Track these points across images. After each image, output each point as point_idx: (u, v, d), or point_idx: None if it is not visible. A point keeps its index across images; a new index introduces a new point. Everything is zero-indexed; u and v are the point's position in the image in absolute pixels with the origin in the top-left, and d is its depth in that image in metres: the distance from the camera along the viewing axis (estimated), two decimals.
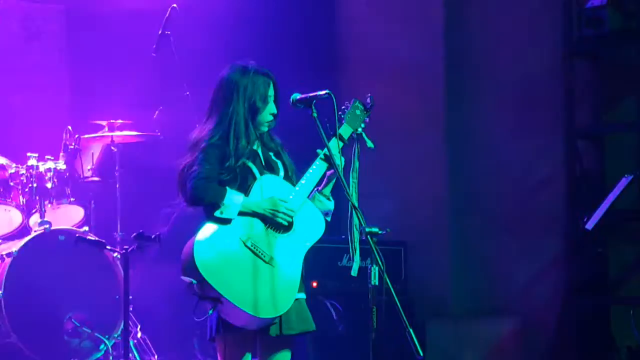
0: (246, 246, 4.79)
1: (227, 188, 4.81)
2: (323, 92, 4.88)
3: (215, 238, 4.78)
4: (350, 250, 4.86)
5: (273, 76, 5.03)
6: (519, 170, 8.21)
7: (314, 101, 4.89)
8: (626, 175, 7.18)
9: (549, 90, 8.12)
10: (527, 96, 8.22)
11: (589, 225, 7.15)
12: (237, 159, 4.88)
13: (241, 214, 4.82)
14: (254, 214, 4.84)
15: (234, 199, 4.79)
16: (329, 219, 5.02)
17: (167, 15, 7.70)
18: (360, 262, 4.85)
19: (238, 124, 4.92)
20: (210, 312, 4.75)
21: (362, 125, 5.06)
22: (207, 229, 4.79)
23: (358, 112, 5.07)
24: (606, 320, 7.85)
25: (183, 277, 4.75)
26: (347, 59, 9.00)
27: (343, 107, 5.06)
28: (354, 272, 4.86)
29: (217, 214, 4.79)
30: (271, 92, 5.00)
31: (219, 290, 4.67)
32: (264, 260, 4.79)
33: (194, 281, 4.71)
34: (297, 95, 4.96)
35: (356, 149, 5.02)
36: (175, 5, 7.67)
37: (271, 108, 4.99)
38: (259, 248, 4.79)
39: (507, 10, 8.31)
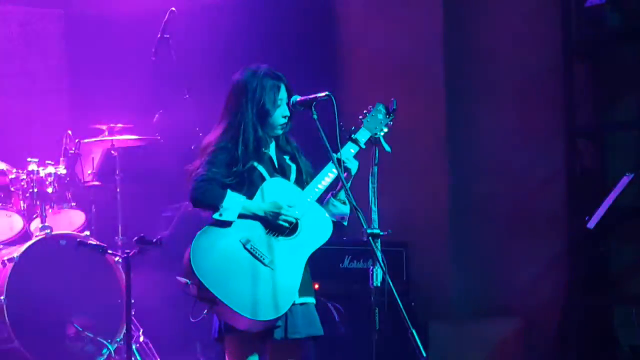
0: (245, 249, 4.78)
1: (228, 190, 4.81)
2: (323, 94, 4.87)
3: (214, 240, 4.77)
4: (374, 260, 4.76)
5: (285, 79, 5.01)
6: (520, 170, 8.20)
7: (314, 103, 4.88)
8: (627, 174, 7.17)
9: (549, 89, 8.12)
10: (527, 96, 8.22)
11: (591, 224, 7.13)
12: (244, 163, 4.87)
13: (242, 216, 4.82)
14: (254, 217, 4.84)
15: (234, 202, 4.79)
16: (345, 223, 5.01)
17: (165, 19, 7.70)
18: (381, 270, 4.75)
19: (247, 128, 4.91)
20: (205, 313, 4.74)
21: (385, 129, 5.05)
22: (207, 231, 4.80)
23: (380, 116, 5.06)
24: (609, 319, 7.84)
25: (178, 278, 4.75)
26: (346, 59, 9.00)
27: (365, 111, 5.05)
28: (377, 282, 4.79)
29: (215, 216, 4.79)
30: (282, 94, 4.98)
31: (214, 292, 4.67)
32: (263, 263, 4.77)
33: (189, 282, 4.70)
34: (296, 98, 4.96)
35: (376, 154, 4.97)
36: (174, 8, 7.66)
37: (283, 111, 4.98)
38: (258, 251, 4.78)
39: (507, 10, 8.31)
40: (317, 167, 5.06)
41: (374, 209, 4.79)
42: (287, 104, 5.00)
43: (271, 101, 4.95)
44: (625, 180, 7.17)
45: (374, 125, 5.04)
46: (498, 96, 8.33)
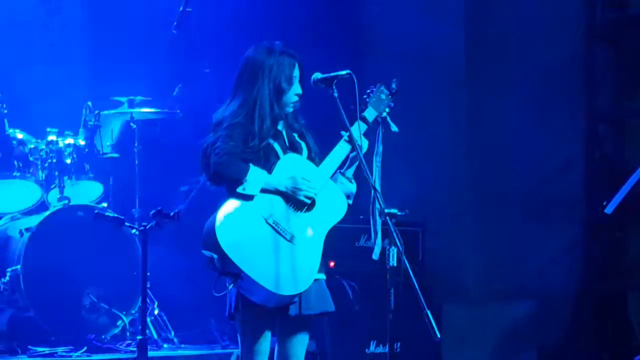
0: (267, 223, 4.79)
1: (250, 165, 4.81)
2: (344, 72, 4.87)
3: (237, 214, 4.77)
4: (372, 233, 4.84)
5: (298, 57, 5.01)
6: (539, 154, 8.18)
7: (335, 81, 4.88)
8: None
9: (571, 73, 8.10)
10: (548, 79, 8.19)
11: (609, 210, 7.11)
12: (261, 139, 4.87)
13: (263, 191, 4.81)
14: (276, 192, 4.84)
15: (256, 176, 4.79)
16: (350, 201, 5.01)
17: None
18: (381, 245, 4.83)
19: (263, 104, 4.91)
20: (230, 287, 4.75)
21: (387, 109, 5.06)
22: (229, 205, 4.79)
23: (383, 96, 5.06)
24: (623, 305, 7.84)
25: (204, 252, 4.76)
26: (369, 39, 8.97)
27: (368, 91, 5.05)
28: (375, 256, 4.84)
29: (239, 190, 4.78)
30: (296, 72, 4.98)
31: (239, 265, 4.67)
32: (285, 238, 4.79)
33: (215, 256, 4.71)
34: (318, 75, 4.96)
35: (380, 133, 5.00)
36: None
37: (296, 89, 4.98)
38: (280, 226, 4.79)
39: None
40: (321, 146, 5.07)
41: (378, 188, 4.79)
42: (300, 81, 5.00)
43: (287, 79, 4.96)
44: None
45: (379, 104, 5.05)
46: (519, 79, 8.30)
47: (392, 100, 5.08)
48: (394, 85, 5.08)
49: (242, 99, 4.94)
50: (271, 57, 4.96)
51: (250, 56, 5.00)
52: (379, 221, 4.78)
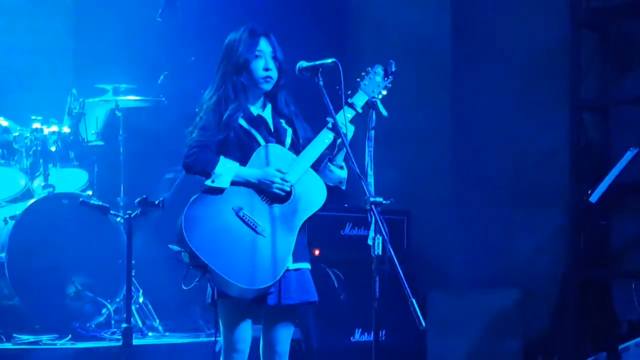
0: (238, 216, 4.72)
1: (221, 157, 4.76)
2: (329, 61, 4.79)
3: (206, 208, 4.72)
4: (375, 228, 4.69)
5: (269, 33, 4.96)
6: (524, 141, 8.19)
7: (320, 69, 4.82)
8: (631, 148, 7.16)
9: (556, 61, 8.09)
10: (533, 67, 8.19)
11: (593, 198, 7.13)
12: (230, 113, 4.82)
13: (234, 183, 4.76)
14: (247, 184, 4.79)
15: (226, 168, 4.74)
16: (343, 187, 4.94)
17: None
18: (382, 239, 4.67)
19: (226, 80, 4.89)
20: (197, 280, 4.72)
21: (383, 92, 4.91)
22: (199, 199, 4.74)
23: (378, 78, 4.92)
24: (608, 293, 7.86)
25: (170, 246, 4.73)
26: (354, 27, 8.97)
27: (363, 74, 4.93)
28: (377, 251, 4.72)
29: (208, 182, 4.73)
30: (262, 47, 4.92)
31: (206, 261, 4.62)
32: (255, 231, 4.72)
33: (182, 250, 4.68)
34: (303, 63, 4.89)
35: (372, 117, 4.84)
36: None
37: (264, 63, 4.90)
38: (250, 219, 4.73)
39: None
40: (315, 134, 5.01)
41: (370, 173, 4.71)
42: (274, 57, 4.94)
43: (247, 50, 4.89)
44: (629, 154, 7.16)
45: (372, 88, 4.91)
46: (504, 66, 8.31)
47: (389, 82, 4.93)
48: (391, 67, 4.93)
49: (214, 81, 4.95)
50: (237, 35, 4.94)
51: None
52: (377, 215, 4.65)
